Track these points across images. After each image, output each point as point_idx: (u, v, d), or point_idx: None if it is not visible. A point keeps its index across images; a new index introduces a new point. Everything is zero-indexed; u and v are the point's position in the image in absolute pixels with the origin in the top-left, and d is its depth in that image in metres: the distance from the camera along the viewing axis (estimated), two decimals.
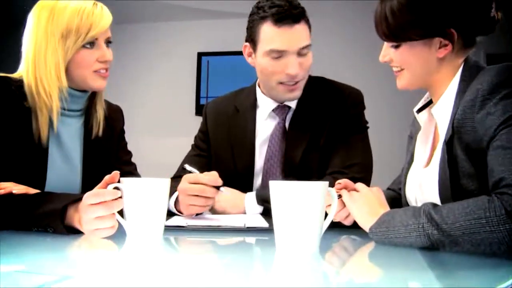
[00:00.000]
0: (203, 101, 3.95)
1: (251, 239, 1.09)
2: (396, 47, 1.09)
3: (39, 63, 1.23)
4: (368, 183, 1.41)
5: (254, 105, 1.58)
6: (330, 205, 0.95)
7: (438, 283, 0.70)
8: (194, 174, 1.27)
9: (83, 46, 1.24)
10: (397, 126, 3.39)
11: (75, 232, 0.97)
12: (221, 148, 1.58)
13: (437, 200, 1.02)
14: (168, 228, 1.07)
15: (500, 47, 3.09)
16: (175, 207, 1.35)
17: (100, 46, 1.27)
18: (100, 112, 1.37)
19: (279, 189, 0.86)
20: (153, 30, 4.12)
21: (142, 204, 0.96)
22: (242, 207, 1.42)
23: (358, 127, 1.53)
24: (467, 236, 0.82)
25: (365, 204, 1.03)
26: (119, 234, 0.96)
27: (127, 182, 0.96)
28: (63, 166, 1.31)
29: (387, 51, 1.13)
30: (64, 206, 0.97)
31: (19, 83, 1.25)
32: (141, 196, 0.96)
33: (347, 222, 1.10)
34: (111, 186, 0.95)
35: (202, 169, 1.31)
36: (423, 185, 1.09)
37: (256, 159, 1.53)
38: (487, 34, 1.08)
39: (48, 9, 1.24)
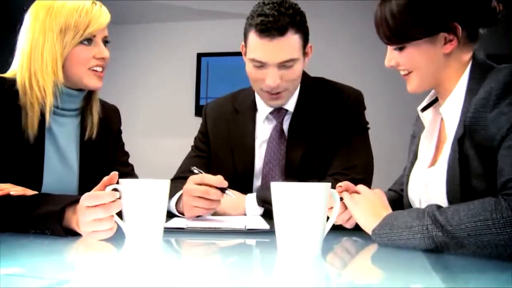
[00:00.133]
0: (202, 102, 3.94)
1: (251, 241, 1.08)
2: (401, 49, 1.08)
3: (35, 57, 1.23)
4: (369, 185, 1.40)
5: (253, 107, 1.57)
6: (332, 207, 0.94)
7: (442, 286, 0.69)
8: (200, 175, 1.27)
9: (81, 43, 1.25)
10: (398, 126, 3.39)
11: (73, 234, 0.96)
12: (221, 149, 1.58)
13: (444, 200, 1.01)
14: (167, 230, 1.06)
15: (501, 48, 3.08)
16: (177, 208, 1.33)
17: (97, 43, 1.28)
18: (95, 115, 1.37)
19: (281, 190, 0.85)
20: (153, 30, 4.12)
21: (141, 205, 0.94)
22: (243, 208, 1.41)
23: (358, 128, 1.52)
24: (473, 238, 0.81)
25: (367, 206, 1.02)
26: (117, 236, 0.95)
27: (126, 184, 0.95)
28: (60, 167, 1.30)
29: (392, 55, 1.11)
30: (62, 208, 0.96)
31: (12, 82, 1.25)
32: (140, 197, 0.94)
33: (348, 225, 1.08)
34: (109, 188, 0.94)
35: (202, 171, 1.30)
36: (429, 185, 1.07)
37: (255, 160, 1.52)
38: (490, 26, 1.07)
39: (46, 7, 1.25)
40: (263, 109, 1.54)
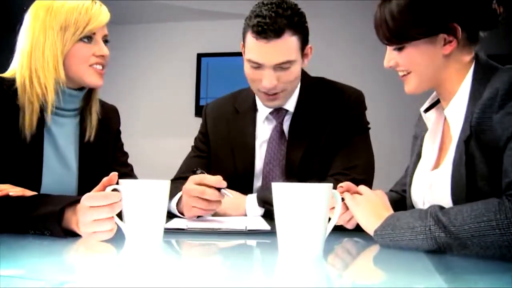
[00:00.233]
0: (202, 102, 3.94)
1: (252, 242, 1.07)
2: (400, 49, 1.07)
3: (36, 56, 1.23)
4: (370, 185, 1.40)
5: (253, 107, 1.57)
6: (333, 207, 0.93)
7: (445, 287, 0.68)
8: (200, 175, 1.26)
9: (81, 40, 1.25)
10: (397, 126, 3.39)
11: (73, 235, 0.95)
12: (221, 149, 1.57)
13: (448, 201, 1.00)
14: (168, 231, 1.06)
15: (501, 48, 3.08)
16: (178, 209, 1.33)
17: (97, 41, 1.28)
18: (94, 116, 1.36)
19: (283, 191, 0.84)
20: (153, 31, 4.11)
21: (141, 206, 0.94)
22: (243, 209, 1.40)
23: (359, 128, 1.51)
24: (476, 239, 0.80)
25: (368, 207, 1.01)
26: (117, 237, 0.94)
27: (126, 184, 0.94)
28: (59, 168, 1.30)
29: (391, 56, 1.10)
30: (62, 209, 0.95)
31: (11, 82, 1.24)
32: (141, 198, 0.94)
33: (349, 226, 1.08)
34: (109, 188, 0.93)
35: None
36: (433, 186, 1.07)
37: (256, 161, 1.52)
38: (491, 29, 1.06)
39: (46, 6, 1.25)
40: (263, 109, 1.54)
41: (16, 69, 1.26)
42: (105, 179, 0.95)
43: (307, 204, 0.82)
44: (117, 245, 0.93)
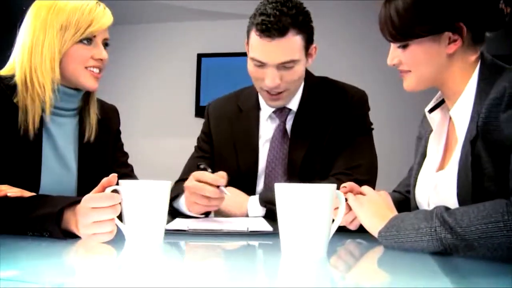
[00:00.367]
0: (202, 103, 3.93)
1: (254, 243, 1.06)
2: (404, 47, 1.06)
3: (36, 53, 1.22)
4: (373, 186, 1.38)
5: (257, 106, 1.56)
6: (336, 208, 0.92)
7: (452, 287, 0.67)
8: (201, 172, 1.26)
9: (81, 41, 1.24)
10: (398, 127, 3.39)
11: (72, 236, 0.94)
12: (224, 148, 1.57)
13: (454, 202, 0.99)
14: (168, 232, 1.05)
15: (502, 48, 3.07)
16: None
17: (97, 44, 1.26)
18: (93, 117, 1.35)
19: (286, 192, 0.83)
20: (153, 31, 4.11)
21: (141, 207, 0.93)
22: (245, 208, 1.40)
23: (362, 128, 1.50)
24: (483, 240, 0.79)
25: (372, 207, 1.00)
26: (117, 239, 0.93)
27: (126, 185, 0.93)
28: (58, 168, 1.29)
29: (395, 53, 1.09)
30: (61, 209, 0.94)
31: (9, 80, 1.23)
32: (141, 199, 0.93)
33: (352, 227, 1.07)
34: (109, 189, 0.92)
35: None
36: (439, 187, 1.06)
37: (259, 160, 1.51)
38: (497, 29, 1.05)
39: (48, 5, 1.24)
40: (266, 108, 1.53)
41: (15, 66, 1.25)
42: (104, 180, 0.94)
43: (311, 205, 0.81)
44: (117, 247, 0.92)
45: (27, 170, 1.22)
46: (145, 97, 4.05)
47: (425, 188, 1.11)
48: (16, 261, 0.78)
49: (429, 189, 1.09)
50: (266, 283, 0.72)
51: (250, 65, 1.43)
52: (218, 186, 1.23)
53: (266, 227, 1.15)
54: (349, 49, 3.72)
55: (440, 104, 1.15)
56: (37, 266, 0.76)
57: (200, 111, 3.88)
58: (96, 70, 1.28)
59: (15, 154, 1.21)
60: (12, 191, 1.07)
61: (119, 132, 1.52)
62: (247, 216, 1.40)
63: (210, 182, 1.23)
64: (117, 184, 0.94)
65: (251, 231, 1.10)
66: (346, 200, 1.03)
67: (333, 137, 1.46)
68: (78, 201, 0.93)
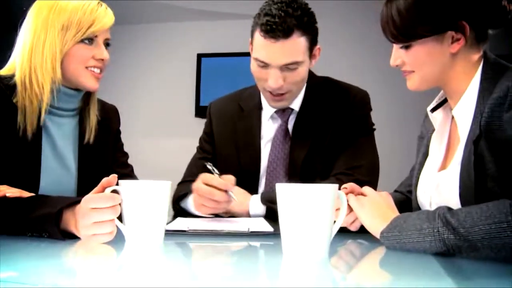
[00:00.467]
0: (202, 103, 3.93)
1: (255, 244, 1.05)
2: (407, 48, 1.05)
3: (36, 53, 1.21)
4: (374, 186, 1.38)
5: (259, 106, 1.56)
6: (338, 209, 0.91)
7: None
8: (208, 175, 1.27)
9: (82, 41, 1.23)
10: (398, 127, 3.38)
11: (71, 237, 0.93)
12: (226, 148, 1.56)
13: (456, 202, 0.98)
14: (168, 233, 1.04)
15: (503, 48, 3.07)
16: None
17: (98, 44, 1.26)
18: (93, 118, 1.35)
19: (287, 192, 0.82)
20: (153, 31, 4.10)
21: (141, 208, 0.92)
22: (247, 205, 1.39)
23: (364, 128, 1.50)
24: (487, 241, 0.78)
25: (373, 208, 0.99)
26: (117, 239, 0.92)
27: (125, 185, 0.93)
28: (57, 168, 1.28)
29: (397, 54, 1.08)
30: (60, 210, 0.93)
31: (8, 79, 1.22)
32: (141, 199, 0.92)
33: (353, 228, 1.06)
34: (108, 189, 0.91)
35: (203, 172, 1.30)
36: (441, 187, 1.05)
37: (261, 160, 1.51)
38: (500, 27, 1.04)
39: (50, 4, 1.23)
40: (268, 108, 1.53)
41: (15, 65, 1.24)
42: (104, 180, 0.93)
43: (313, 206, 0.80)
44: (117, 248, 0.91)
45: (26, 171, 1.22)
46: (145, 97, 4.05)
47: (427, 188, 1.10)
48: (15, 262, 0.77)
49: (431, 189, 1.09)
50: (268, 284, 0.72)
51: (254, 65, 1.42)
52: (226, 191, 1.24)
53: (267, 227, 1.14)
54: (349, 49, 3.71)
55: (442, 103, 1.14)
56: (36, 267, 0.75)
57: (200, 111, 3.88)
58: (97, 70, 1.27)
59: (14, 154, 1.20)
60: (11, 192, 1.07)
61: (119, 132, 1.51)
62: (248, 214, 1.39)
63: (218, 187, 1.24)
64: (117, 184, 0.93)
65: (251, 232, 1.09)
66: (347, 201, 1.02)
67: (335, 137, 1.46)
68: (78, 202, 0.92)
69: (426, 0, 1.01)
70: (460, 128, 1.04)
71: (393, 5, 1.04)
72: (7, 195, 1.04)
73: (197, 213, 1.34)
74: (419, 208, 1.13)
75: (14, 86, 1.22)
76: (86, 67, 1.25)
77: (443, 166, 1.09)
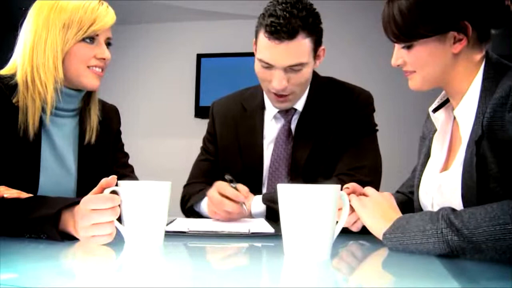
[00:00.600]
0: (202, 103, 3.93)
1: (256, 245, 1.04)
2: (409, 48, 1.04)
3: (38, 52, 1.20)
4: (376, 187, 1.37)
5: (262, 106, 1.55)
6: (340, 209, 0.90)
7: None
8: (224, 183, 1.30)
9: (83, 40, 1.22)
10: (398, 127, 3.37)
11: (70, 238, 0.93)
12: (229, 148, 1.56)
13: (459, 203, 0.97)
14: (168, 234, 1.03)
15: (503, 48, 3.06)
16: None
17: (100, 43, 1.25)
18: (93, 118, 1.34)
19: (289, 192, 0.81)
20: (153, 31, 4.11)
21: (141, 208, 0.91)
22: (248, 205, 1.39)
23: (367, 129, 1.49)
24: (491, 242, 0.77)
25: (376, 209, 0.98)
26: (116, 241, 0.91)
27: (125, 186, 0.92)
28: (57, 169, 1.27)
29: (399, 54, 1.07)
30: (58, 211, 0.92)
31: (8, 79, 1.22)
32: (140, 200, 0.91)
33: (354, 228, 1.05)
34: (107, 190, 0.90)
35: (208, 173, 1.37)
36: (443, 188, 1.04)
37: (263, 160, 1.50)
38: (502, 27, 1.03)
39: (51, 4, 1.22)
40: (271, 108, 1.52)
41: (17, 65, 1.24)
42: (103, 181, 0.92)
43: (315, 206, 0.80)
44: (116, 249, 0.91)
45: (25, 171, 1.21)
46: (145, 97, 4.05)
47: (429, 189, 1.10)
48: (13, 264, 0.76)
49: (433, 190, 1.08)
50: (269, 285, 0.71)
51: (257, 66, 1.41)
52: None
53: (268, 228, 1.14)
54: (349, 49, 3.71)
55: (444, 103, 1.13)
56: (34, 269, 0.75)
57: (199, 112, 3.88)
58: (98, 70, 1.26)
59: (13, 155, 1.19)
60: (9, 192, 1.06)
61: (120, 133, 1.50)
62: (250, 214, 1.39)
63: (231, 197, 1.26)
64: (116, 185, 0.92)
65: (252, 233, 1.09)
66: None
67: (338, 137, 1.45)
68: (76, 202, 0.91)
69: (428, 0, 1.00)
70: (462, 129, 1.03)
71: (395, 4, 1.03)
72: (5, 196, 1.03)
73: (206, 213, 1.37)
74: (421, 209, 1.12)
75: (14, 86, 1.21)
76: (88, 67, 1.24)
77: (445, 167, 1.09)
